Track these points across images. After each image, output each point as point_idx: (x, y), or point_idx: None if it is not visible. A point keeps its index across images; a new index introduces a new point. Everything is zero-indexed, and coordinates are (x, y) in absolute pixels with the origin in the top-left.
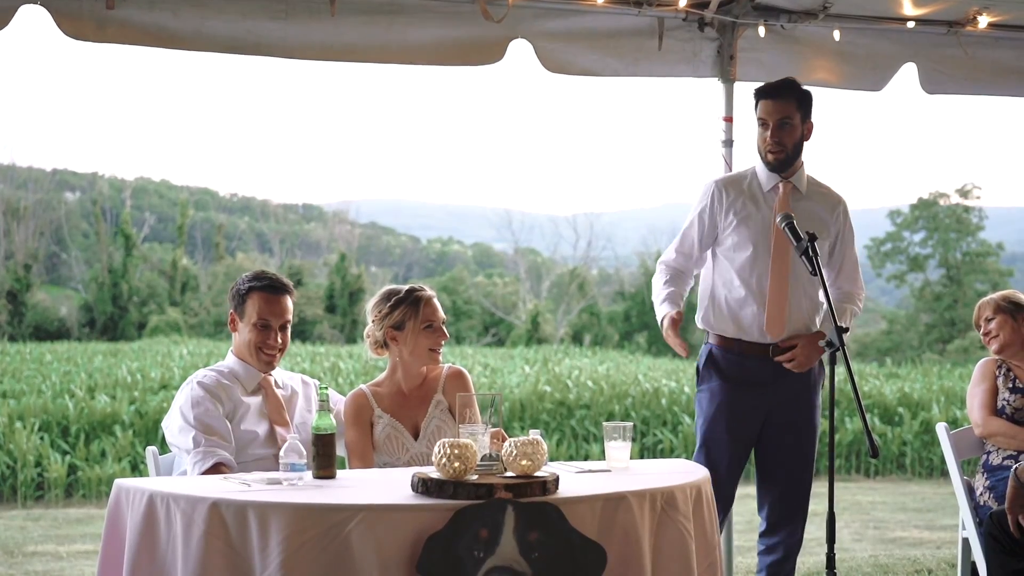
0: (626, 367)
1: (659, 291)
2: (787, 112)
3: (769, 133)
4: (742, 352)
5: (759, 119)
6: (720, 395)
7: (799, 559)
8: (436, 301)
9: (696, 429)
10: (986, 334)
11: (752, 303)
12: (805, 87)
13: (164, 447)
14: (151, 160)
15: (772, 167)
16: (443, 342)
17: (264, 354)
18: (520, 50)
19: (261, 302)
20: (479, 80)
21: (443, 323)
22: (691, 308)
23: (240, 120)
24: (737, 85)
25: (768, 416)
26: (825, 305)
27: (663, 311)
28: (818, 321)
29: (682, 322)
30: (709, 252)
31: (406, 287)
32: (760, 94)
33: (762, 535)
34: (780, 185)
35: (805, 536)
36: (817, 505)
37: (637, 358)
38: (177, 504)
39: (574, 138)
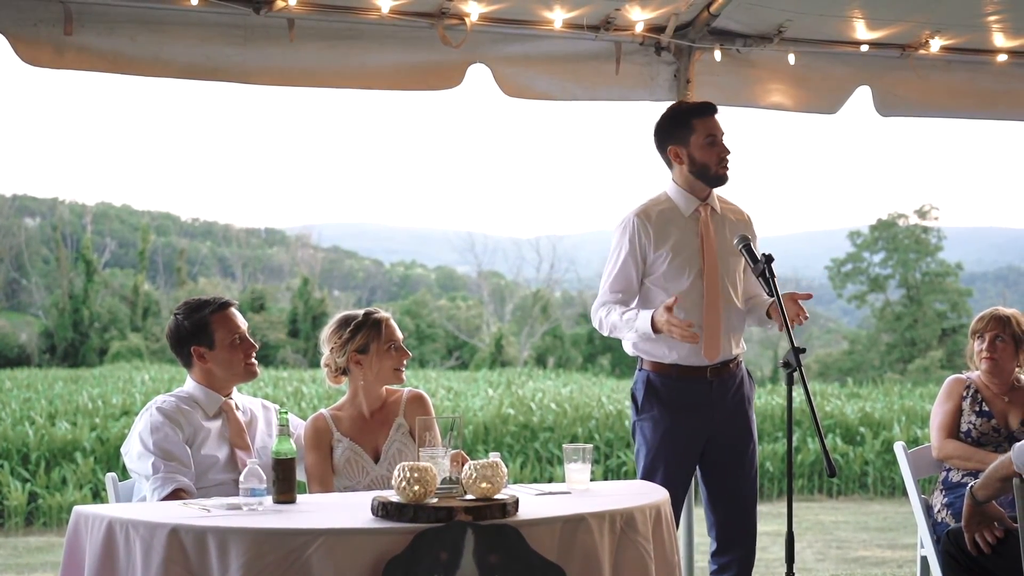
0: (589, 389)
1: (618, 316)
2: (722, 128)
3: (721, 148)
4: (680, 376)
5: (708, 136)
6: (664, 422)
7: None
8: (393, 321)
9: (638, 458)
10: (989, 352)
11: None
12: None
13: (125, 474)
14: (112, 185)
15: (716, 182)
16: (406, 361)
17: (249, 364)
18: (479, 75)
19: (226, 321)
20: (440, 104)
21: (403, 342)
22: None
23: (202, 145)
24: None
25: (710, 437)
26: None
27: (643, 318)
28: (742, 342)
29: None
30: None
31: (361, 312)
32: (708, 110)
33: (714, 555)
34: (700, 209)
35: (768, 556)
36: (778, 525)
37: (600, 380)
38: (136, 530)
39: (535, 161)
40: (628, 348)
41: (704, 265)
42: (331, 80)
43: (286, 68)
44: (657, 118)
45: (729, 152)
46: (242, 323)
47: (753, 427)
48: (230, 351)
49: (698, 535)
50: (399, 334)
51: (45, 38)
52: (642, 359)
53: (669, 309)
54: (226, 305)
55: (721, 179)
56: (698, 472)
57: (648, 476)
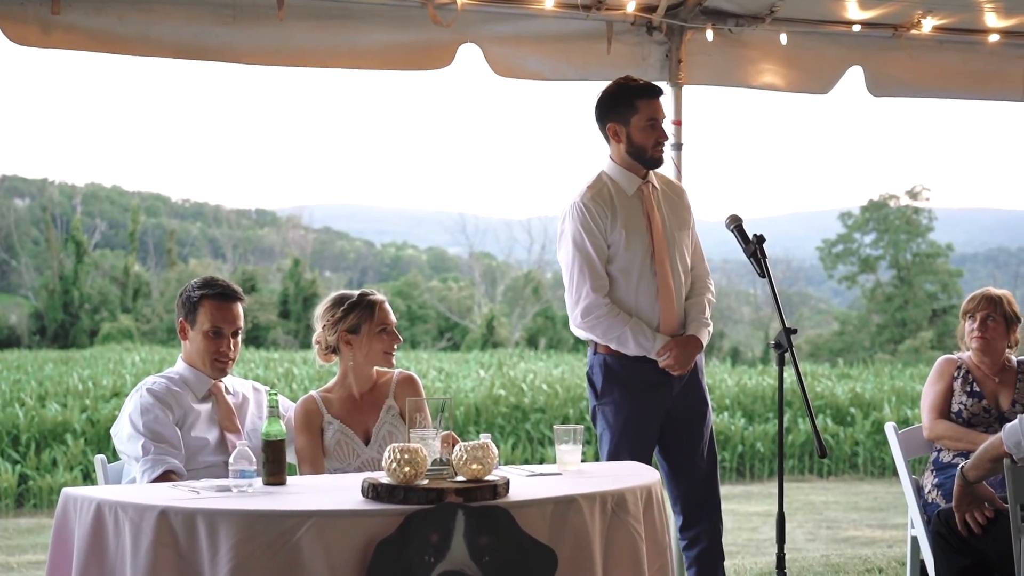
0: (580, 370)
1: (626, 330)
2: (664, 112)
3: (660, 132)
4: (637, 357)
5: (649, 119)
6: (626, 405)
7: (752, 559)
8: (387, 305)
9: (601, 443)
10: (980, 332)
11: (646, 307)
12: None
13: (115, 455)
14: (102, 166)
15: (652, 164)
16: (397, 345)
17: (217, 362)
18: (469, 54)
19: (213, 310)
20: (431, 84)
21: (395, 326)
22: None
23: (192, 125)
24: (686, 88)
25: (668, 413)
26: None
27: (659, 341)
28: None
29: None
30: None
31: (357, 292)
32: (651, 92)
33: (682, 530)
34: (643, 187)
35: (759, 536)
36: (769, 506)
37: None
38: (125, 512)
39: (526, 142)
40: (580, 333)
41: (653, 243)
42: (321, 60)
43: (275, 48)
44: (600, 92)
45: (667, 138)
46: (230, 319)
47: (707, 397)
48: (203, 339)
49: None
50: (392, 318)
51: (32, 17)
52: (595, 343)
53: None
54: (226, 296)
55: (656, 162)
56: (659, 450)
57: (614, 460)
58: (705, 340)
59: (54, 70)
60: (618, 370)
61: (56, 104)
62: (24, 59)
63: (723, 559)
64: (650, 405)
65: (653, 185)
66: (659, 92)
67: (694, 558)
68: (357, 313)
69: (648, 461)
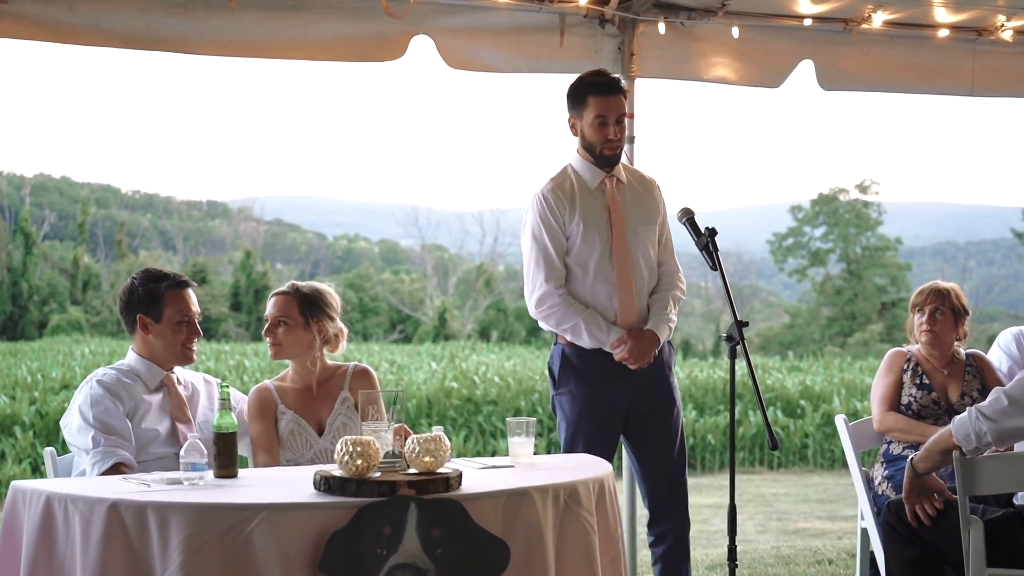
0: (533, 363)
1: (579, 321)
2: (622, 108)
3: (609, 130)
4: (595, 349)
5: (597, 116)
6: (581, 395)
7: (704, 551)
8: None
9: (560, 433)
10: (928, 325)
11: (602, 300)
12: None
13: (64, 448)
14: (51, 156)
15: (605, 162)
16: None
17: (188, 348)
18: (422, 46)
19: (177, 299)
20: (384, 76)
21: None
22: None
23: (142, 116)
24: (638, 82)
25: (629, 407)
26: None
27: (614, 334)
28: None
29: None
30: None
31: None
32: (600, 89)
33: (649, 526)
34: (606, 180)
35: (710, 528)
36: (720, 497)
37: (544, 354)
38: (75, 505)
39: (479, 134)
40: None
41: (612, 237)
42: (273, 51)
43: (227, 38)
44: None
45: (617, 136)
46: (194, 306)
47: (675, 394)
48: (174, 329)
49: (642, 507)
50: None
51: None
52: (556, 333)
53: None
54: (184, 284)
55: (607, 160)
56: (626, 445)
57: (569, 450)
58: (664, 336)
59: (2, 59)
60: (575, 361)
61: (4, 94)
62: None
63: (688, 559)
64: (607, 397)
65: (619, 179)
66: (613, 90)
67: (660, 555)
68: None
69: (605, 453)
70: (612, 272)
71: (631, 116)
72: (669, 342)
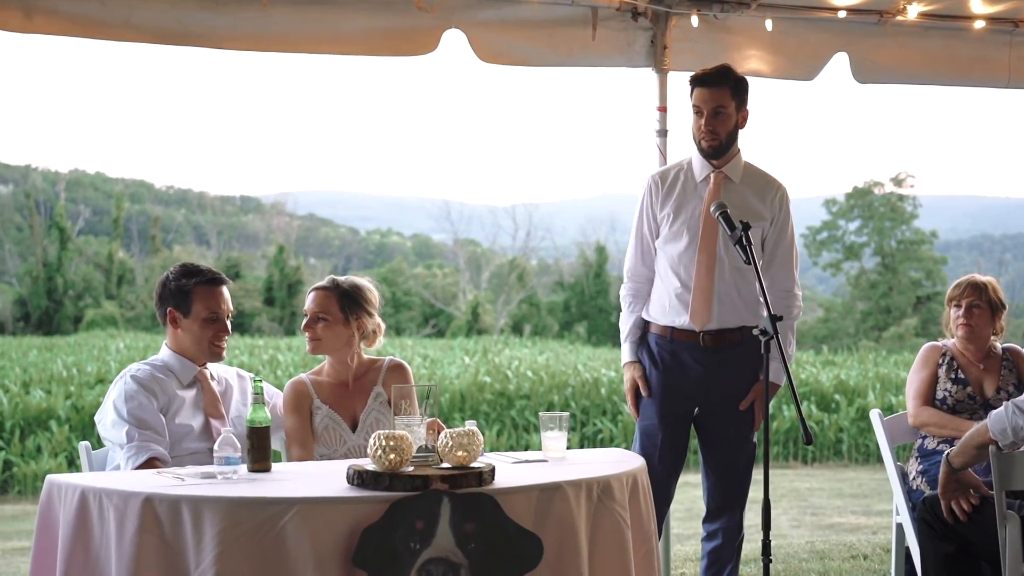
0: (565, 357)
1: (624, 320)
2: (721, 100)
3: (703, 121)
4: (674, 339)
5: (694, 107)
6: (653, 377)
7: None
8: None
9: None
10: (965, 320)
11: (683, 293)
12: (741, 74)
13: (99, 442)
14: (85, 152)
15: (706, 154)
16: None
17: (216, 346)
18: (454, 40)
19: (207, 296)
20: (416, 70)
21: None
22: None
23: (176, 111)
24: (671, 75)
25: (703, 404)
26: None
27: (625, 351)
28: (757, 315)
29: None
30: None
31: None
32: (694, 82)
33: (704, 521)
34: (712, 175)
35: (744, 523)
36: (754, 492)
37: (576, 348)
38: (110, 499)
39: (511, 128)
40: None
41: (702, 231)
42: (305, 46)
43: (259, 33)
44: None
45: (708, 128)
46: (225, 304)
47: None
48: (201, 326)
49: (676, 501)
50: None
51: (13, 2)
52: (648, 322)
53: (636, 387)
54: (216, 281)
55: (706, 152)
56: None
57: (638, 433)
58: (780, 382)
59: (37, 55)
60: (652, 345)
61: (39, 90)
62: (6, 45)
63: (731, 562)
64: (677, 386)
65: (727, 176)
66: (706, 82)
67: (708, 551)
68: None
69: (675, 440)
70: (692, 266)
71: (663, 110)
72: (768, 349)
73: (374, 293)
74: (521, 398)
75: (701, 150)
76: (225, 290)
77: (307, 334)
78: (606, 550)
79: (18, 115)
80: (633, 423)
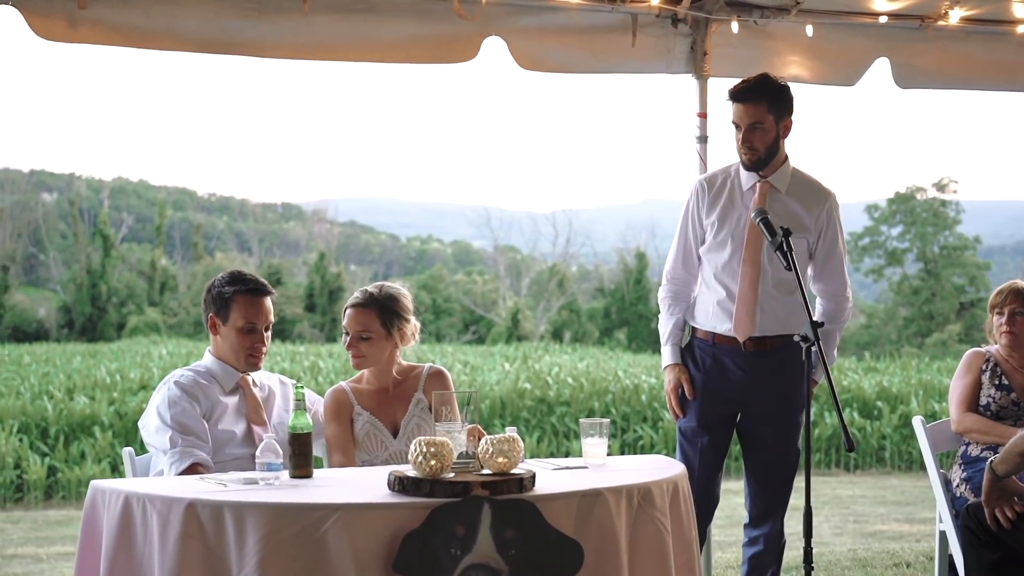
0: (606, 363)
1: (664, 323)
2: (757, 116)
3: (741, 136)
4: (716, 344)
5: (732, 121)
6: (696, 381)
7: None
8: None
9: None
10: (1008, 326)
11: (726, 301)
12: (782, 82)
13: (142, 448)
14: (129, 160)
15: (747, 167)
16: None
17: (251, 357)
18: (494, 47)
19: (246, 306)
20: (456, 77)
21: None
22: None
23: (218, 119)
24: (711, 81)
25: (745, 409)
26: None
27: (665, 355)
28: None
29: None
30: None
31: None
32: (731, 96)
33: (746, 527)
34: (758, 184)
35: (786, 530)
36: (796, 499)
37: (617, 354)
38: (153, 505)
39: (551, 135)
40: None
41: (746, 241)
42: (345, 54)
43: (300, 41)
44: None
45: (747, 144)
46: (263, 314)
47: (796, 407)
48: (237, 335)
49: (718, 508)
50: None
51: (59, 12)
52: (693, 327)
53: (678, 389)
54: (257, 292)
55: (746, 165)
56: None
57: (680, 436)
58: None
59: (81, 65)
60: (696, 351)
61: (83, 99)
62: (50, 53)
63: (772, 568)
64: (719, 393)
65: (772, 186)
66: (738, 97)
67: (749, 557)
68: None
69: (716, 445)
70: (736, 276)
71: (703, 116)
72: (810, 357)
73: (408, 297)
74: (561, 404)
75: (742, 163)
76: (267, 301)
77: (351, 351)
78: (646, 557)
79: (63, 124)
80: (674, 429)
